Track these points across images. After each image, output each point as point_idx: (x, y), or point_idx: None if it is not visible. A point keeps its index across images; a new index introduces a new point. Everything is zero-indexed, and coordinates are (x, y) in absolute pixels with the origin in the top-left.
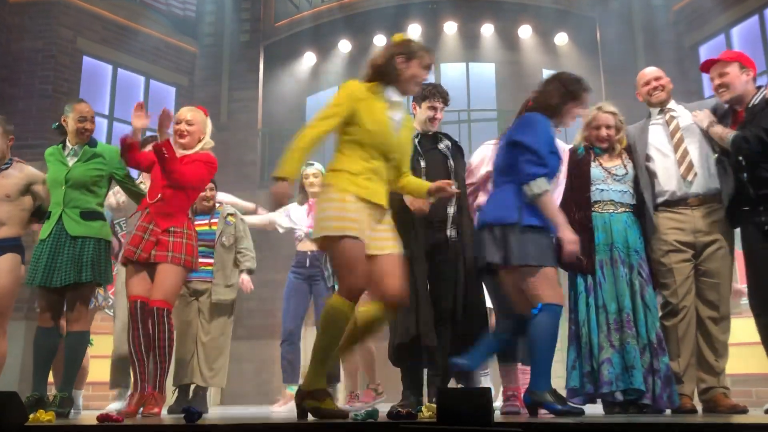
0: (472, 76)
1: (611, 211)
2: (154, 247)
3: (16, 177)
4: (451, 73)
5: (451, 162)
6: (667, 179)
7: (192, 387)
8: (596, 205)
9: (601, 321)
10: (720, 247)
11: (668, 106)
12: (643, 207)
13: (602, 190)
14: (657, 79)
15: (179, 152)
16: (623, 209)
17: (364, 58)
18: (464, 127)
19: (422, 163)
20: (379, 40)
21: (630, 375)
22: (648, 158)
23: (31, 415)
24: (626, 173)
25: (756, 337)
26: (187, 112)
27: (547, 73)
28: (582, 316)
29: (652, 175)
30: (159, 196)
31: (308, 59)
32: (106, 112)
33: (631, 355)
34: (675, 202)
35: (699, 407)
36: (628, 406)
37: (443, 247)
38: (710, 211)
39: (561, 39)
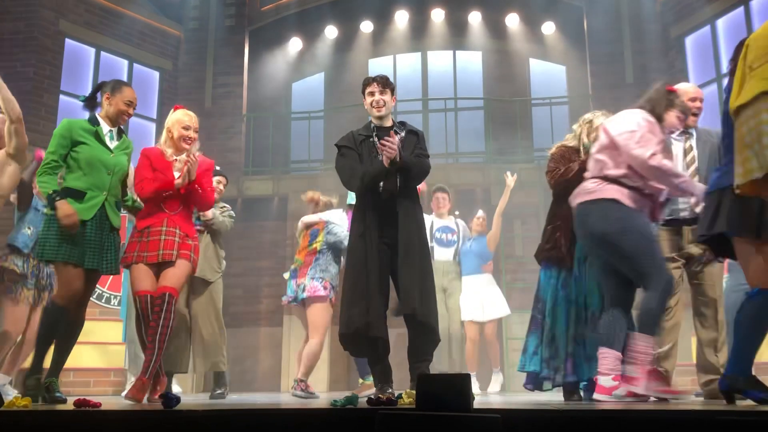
0: (459, 64)
1: None
2: (180, 249)
3: None
4: (438, 61)
5: (398, 158)
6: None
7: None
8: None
9: (571, 313)
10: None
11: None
12: None
13: None
14: (702, 100)
15: (182, 157)
16: None
17: (351, 44)
18: (450, 115)
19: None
20: (366, 27)
21: (589, 366)
22: None
23: (7, 400)
24: None
25: None
26: (194, 119)
27: (534, 62)
28: (549, 306)
29: None
30: (180, 207)
31: (294, 45)
32: None
33: (592, 347)
34: (676, 219)
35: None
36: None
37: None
38: None
39: (548, 28)
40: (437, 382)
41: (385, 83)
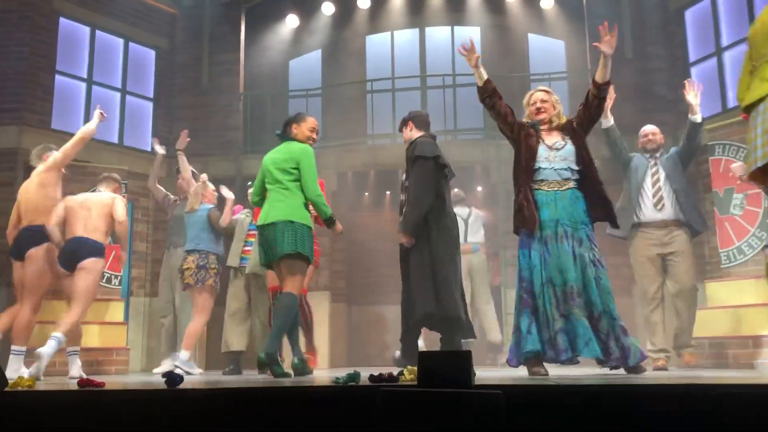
0: (457, 40)
1: (557, 189)
2: None
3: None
4: (436, 36)
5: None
6: (645, 208)
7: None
8: (543, 183)
9: (549, 294)
10: (679, 254)
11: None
12: (587, 182)
13: (545, 168)
14: (653, 134)
15: None
16: (567, 186)
17: (348, 21)
18: (449, 91)
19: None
20: (363, 3)
21: (576, 344)
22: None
23: (11, 381)
24: (565, 145)
25: (733, 301)
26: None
27: (532, 38)
28: (537, 288)
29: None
30: None
31: (291, 21)
32: (85, 75)
33: (574, 325)
34: (648, 224)
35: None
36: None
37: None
38: (672, 230)
39: (547, 3)
40: (438, 359)
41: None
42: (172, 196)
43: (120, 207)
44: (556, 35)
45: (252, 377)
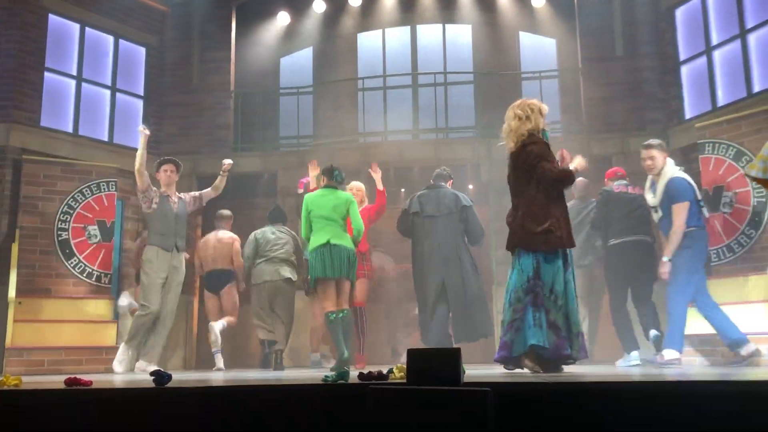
0: (448, 38)
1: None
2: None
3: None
4: (427, 34)
5: None
6: None
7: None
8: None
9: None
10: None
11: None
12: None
13: None
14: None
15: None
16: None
17: (339, 19)
18: (440, 89)
19: None
20: (354, 0)
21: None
22: None
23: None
24: None
25: (721, 299)
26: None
27: (523, 35)
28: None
29: None
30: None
31: (282, 19)
32: (74, 73)
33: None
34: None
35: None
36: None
37: None
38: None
39: (538, 1)
40: (427, 357)
41: None
42: (154, 188)
43: (236, 247)
44: (547, 33)
45: (240, 376)
